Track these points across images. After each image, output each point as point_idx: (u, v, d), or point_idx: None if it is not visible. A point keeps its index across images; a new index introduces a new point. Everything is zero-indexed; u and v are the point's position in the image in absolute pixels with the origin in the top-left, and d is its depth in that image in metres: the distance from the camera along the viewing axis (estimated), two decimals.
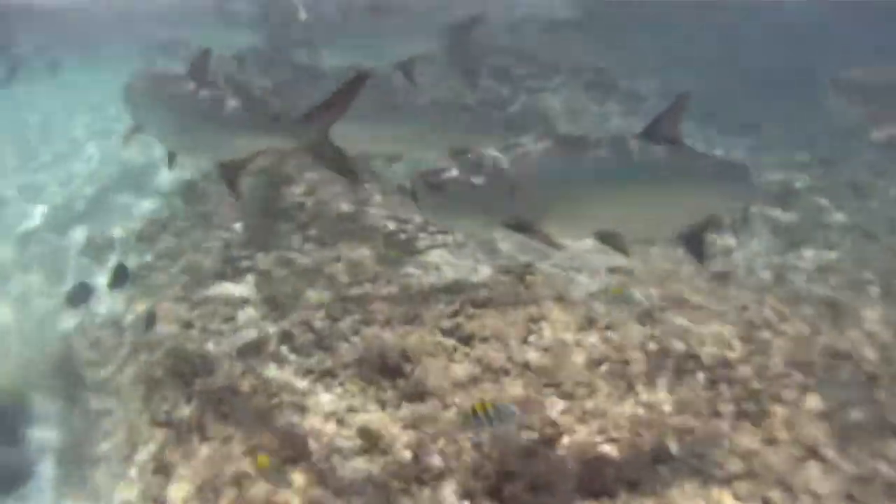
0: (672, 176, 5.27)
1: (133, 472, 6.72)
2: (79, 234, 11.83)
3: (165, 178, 12.64)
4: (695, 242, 5.57)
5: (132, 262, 9.88)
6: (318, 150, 5.80)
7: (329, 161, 5.80)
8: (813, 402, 6.14)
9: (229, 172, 6.48)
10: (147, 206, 11.92)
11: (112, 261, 10.50)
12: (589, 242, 8.86)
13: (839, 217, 10.86)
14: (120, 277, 9.50)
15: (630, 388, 6.30)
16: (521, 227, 4.88)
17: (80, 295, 10.08)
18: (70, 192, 13.52)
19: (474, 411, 5.48)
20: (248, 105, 6.28)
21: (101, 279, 10.27)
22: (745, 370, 6.47)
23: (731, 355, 6.65)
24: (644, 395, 6.23)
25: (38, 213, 13.03)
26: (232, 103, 6.18)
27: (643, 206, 5.25)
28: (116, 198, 12.65)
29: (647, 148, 5.16)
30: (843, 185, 11.89)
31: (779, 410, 6.04)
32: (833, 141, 12.94)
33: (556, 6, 14.70)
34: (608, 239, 5.07)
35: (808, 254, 9.90)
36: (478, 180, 4.82)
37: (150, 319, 8.04)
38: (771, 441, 5.75)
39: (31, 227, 12.66)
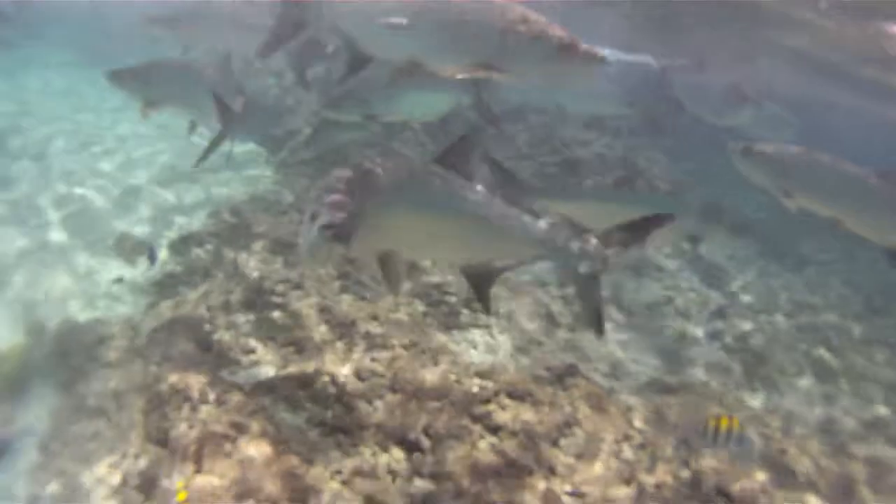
0: (439, 203, 5.22)
1: (115, 479, 6.33)
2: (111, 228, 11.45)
3: (219, 190, 12.45)
4: (477, 283, 5.65)
5: (165, 272, 9.60)
6: None
7: None
8: None
9: None
10: (190, 217, 11.60)
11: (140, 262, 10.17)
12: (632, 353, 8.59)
13: None
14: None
15: None
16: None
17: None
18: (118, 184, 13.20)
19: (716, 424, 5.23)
20: None
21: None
22: None
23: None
24: None
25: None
26: None
27: (415, 231, 5.22)
28: (162, 197, 12.37)
29: (424, 175, 5.24)
30: None
31: None
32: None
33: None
34: (384, 260, 5.03)
35: None
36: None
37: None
38: None
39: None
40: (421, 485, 5.84)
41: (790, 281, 12.64)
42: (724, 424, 5.38)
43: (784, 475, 6.78)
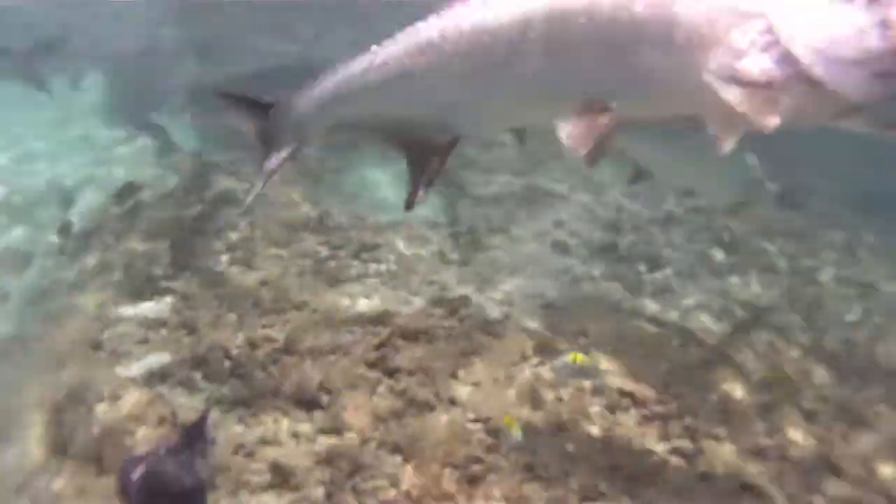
0: None
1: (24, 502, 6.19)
2: None
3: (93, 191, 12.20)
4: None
5: (50, 276, 9.38)
6: None
7: None
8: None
9: None
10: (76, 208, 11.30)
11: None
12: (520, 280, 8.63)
13: None
14: None
15: (560, 427, 6.02)
16: None
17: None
18: None
19: None
20: None
21: None
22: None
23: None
24: (577, 431, 6.00)
25: None
26: None
27: None
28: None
29: None
30: None
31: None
32: None
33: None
34: None
35: None
36: None
37: None
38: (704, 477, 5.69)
39: None
40: (325, 441, 5.85)
41: None
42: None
43: None
